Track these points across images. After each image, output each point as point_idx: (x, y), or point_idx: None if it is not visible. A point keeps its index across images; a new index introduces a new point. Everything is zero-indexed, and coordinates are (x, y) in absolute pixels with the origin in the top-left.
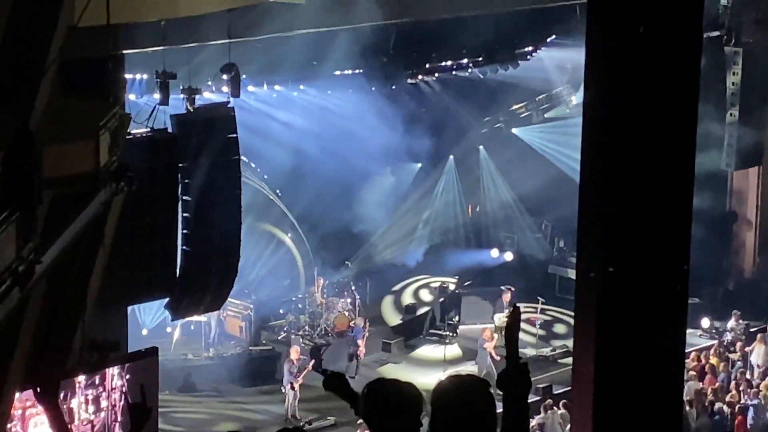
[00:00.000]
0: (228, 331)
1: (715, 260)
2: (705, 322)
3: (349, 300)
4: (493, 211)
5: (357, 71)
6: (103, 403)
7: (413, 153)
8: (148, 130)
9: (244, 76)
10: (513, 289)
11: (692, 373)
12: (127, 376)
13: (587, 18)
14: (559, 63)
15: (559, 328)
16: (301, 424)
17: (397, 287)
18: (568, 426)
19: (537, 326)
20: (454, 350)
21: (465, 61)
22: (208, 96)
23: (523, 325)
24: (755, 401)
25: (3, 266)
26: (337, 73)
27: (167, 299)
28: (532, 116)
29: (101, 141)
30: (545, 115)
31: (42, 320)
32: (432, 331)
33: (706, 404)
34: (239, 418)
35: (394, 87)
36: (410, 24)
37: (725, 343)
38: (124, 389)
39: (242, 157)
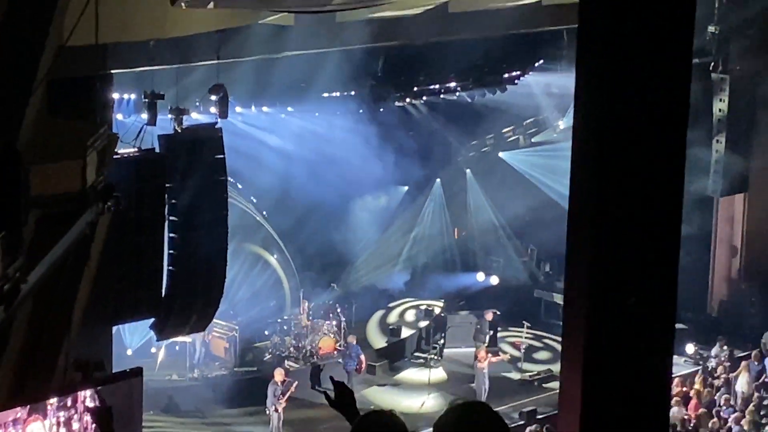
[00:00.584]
0: (213, 352)
1: (700, 286)
2: (690, 348)
3: (334, 322)
4: (479, 235)
5: (345, 93)
6: (75, 426)
7: (400, 176)
8: (136, 150)
9: (232, 98)
10: (498, 312)
11: (676, 399)
12: (97, 399)
13: (577, 43)
14: (547, 88)
15: (545, 353)
16: None
17: (382, 310)
18: None
19: (522, 350)
20: (439, 373)
21: (453, 84)
22: (195, 117)
23: (508, 349)
24: (738, 428)
25: None
26: (326, 95)
27: (152, 319)
28: (520, 140)
29: (88, 161)
30: (532, 140)
31: (27, 339)
32: (417, 354)
33: (690, 430)
34: None
35: (382, 109)
36: (398, 47)
37: (709, 370)
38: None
39: (229, 178)
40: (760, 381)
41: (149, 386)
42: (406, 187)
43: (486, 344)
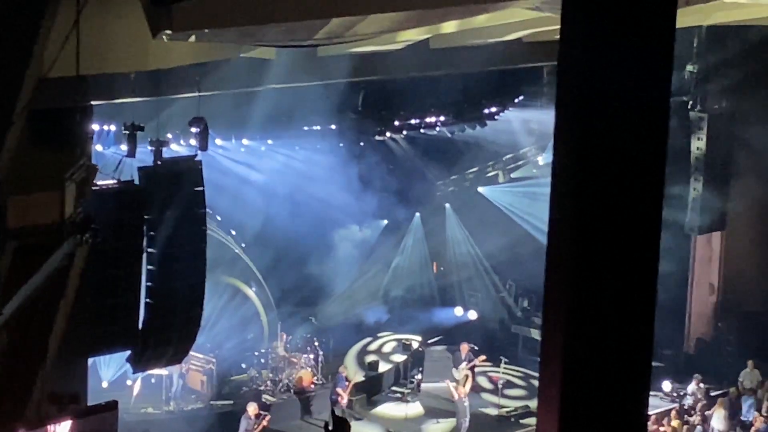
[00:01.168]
0: (190, 384)
1: (677, 324)
2: (666, 386)
3: (312, 356)
4: (457, 269)
5: (326, 127)
6: None
7: (379, 210)
8: (115, 181)
9: (212, 130)
10: (476, 347)
11: None
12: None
13: (557, 80)
14: (527, 123)
15: (522, 388)
16: None
17: (360, 344)
18: None
19: (499, 386)
20: (416, 408)
21: (433, 119)
22: (175, 149)
23: (485, 384)
24: None
25: None
26: (306, 128)
27: (129, 352)
28: (499, 175)
29: (67, 192)
30: (512, 175)
31: (2, 371)
32: (394, 388)
33: None
34: None
35: (362, 143)
36: (379, 82)
37: (686, 407)
38: None
39: (208, 211)
40: (736, 419)
41: (124, 419)
42: (386, 221)
43: (461, 379)
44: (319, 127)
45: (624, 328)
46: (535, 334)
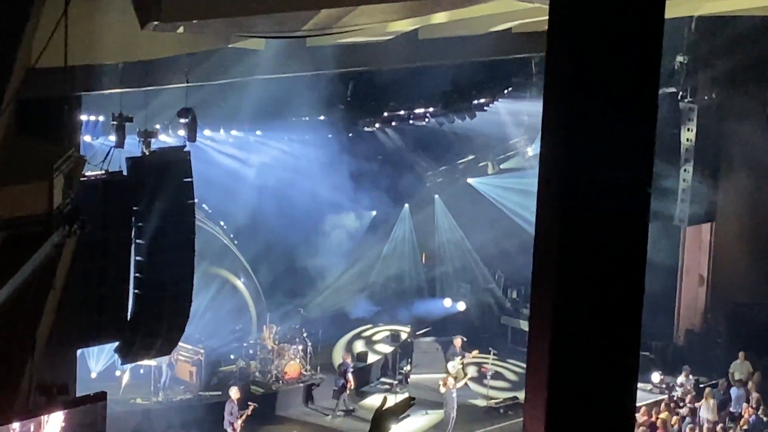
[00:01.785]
0: (178, 375)
1: (667, 315)
2: (655, 377)
3: (300, 347)
4: (447, 261)
5: (314, 118)
6: None
7: (368, 201)
8: (103, 172)
9: (200, 121)
10: (465, 339)
11: (643, 428)
12: (63, 424)
13: (545, 71)
14: (516, 115)
15: (510, 379)
16: None
17: (349, 335)
18: None
19: (488, 377)
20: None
21: (422, 110)
22: (164, 139)
23: (474, 375)
24: None
25: None
26: (295, 119)
27: (117, 343)
28: (488, 167)
29: (55, 183)
30: (501, 166)
31: None
32: (383, 379)
33: None
34: None
35: (351, 135)
36: (368, 73)
37: (675, 399)
38: None
39: (196, 201)
40: (725, 411)
41: (113, 410)
42: (375, 213)
43: (455, 371)
44: (308, 118)
45: (611, 319)
46: (524, 325)
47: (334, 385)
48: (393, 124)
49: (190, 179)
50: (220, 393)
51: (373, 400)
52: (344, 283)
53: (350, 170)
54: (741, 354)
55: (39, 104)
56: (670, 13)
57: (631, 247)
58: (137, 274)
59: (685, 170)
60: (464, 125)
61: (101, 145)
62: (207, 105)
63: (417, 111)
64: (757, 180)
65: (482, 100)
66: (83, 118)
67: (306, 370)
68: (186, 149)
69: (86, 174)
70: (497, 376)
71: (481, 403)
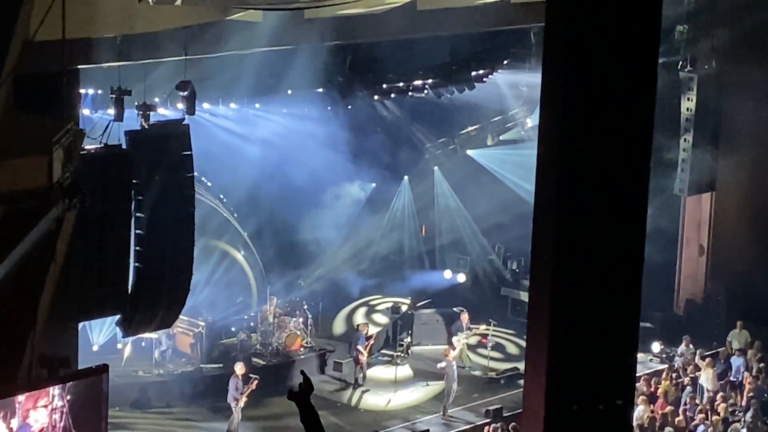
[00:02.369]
0: (179, 348)
1: (667, 285)
2: (656, 347)
3: (301, 319)
4: (446, 232)
5: (313, 90)
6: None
7: (368, 173)
8: (102, 146)
9: (199, 94)
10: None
11: (643, 397)
12: (68, 398)
13: (544, 41)
14: (515, 86)
15: (511, 350)
16: None
17: (349, 307)
18: None
19: (488, 348)
20: (405, 371)
21: (421, 82)
22: (163, 113)
23: (475, 347)
24: (703, 426)
25: None
26: (293, 92)
27: (118, 316)
28: (487, 138)
29: (54, 157)
30: (500, 138)
31: None
32: (384, 351)
33: (657, 428)
34: None
35: (350, 107)
36: (366, 44)
37: (675, 368)
38: (64, 410)
39: (196, 175)
40: (725, 380)
41: (115, 382)
42: (374, 185)
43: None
44: (306, 91)
45: (611, 289)
46: (524, 296)
47: (350, 355)
48: (392, 96)
49: (189, 152)
50: (221, 365)
51: (374, 372)
52: (344, 256)
53: (349, 142)
54: (739, 323)
55: (37, 78)
56: None
57: (631, 217)
58: (137, 248)
59: (685, 140)
60: (463, 97)
61: (100, 119)
62: (206, 78)
63: (416, 83)
64: (758, 149)
65: (481, 72)
66: (82, 91)
67: (307, 343)
68: (185, 122)
69: (85, 147)
70: (498, 347)
71: (482, 374)
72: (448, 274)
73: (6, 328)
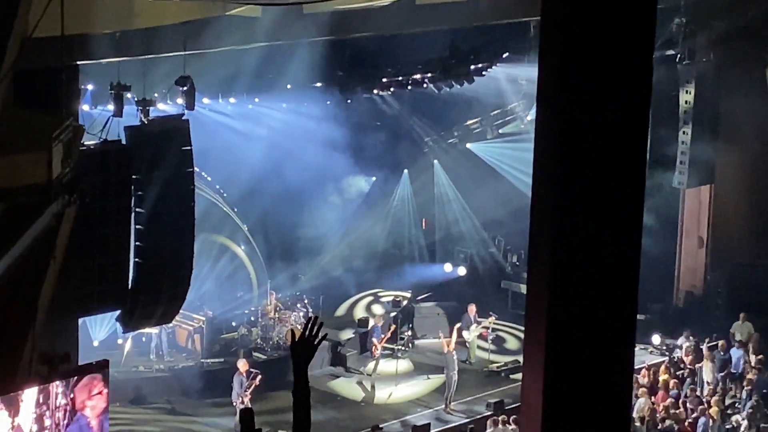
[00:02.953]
0: (180, 343)
1: (666, 277)
2: (656, 339)
3: (301, 313)
4: (447, 226)
5: (312, 85)
6: (47, 422)
7: (368, 166)
8: (102, 141)
9: (199, 89)
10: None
11: (643, 389)
12: (71, 395)
13: (540, 35)
14: (514, 79)
15: (512, 343)
16: None
17: (349, 301)
18: None
19: (489, 341)
20: (406, 364)
21: (420, 76)
22: (162, 108)
23: (474, 339)
24: (704, 418)
25: None
26: (292, 86)
27: (119, 311)
28: (487, 131)
29: (54, 152)
30: (500, 131)
31: None
32: (384, 344)
33: (658, 421)
34: (190, 431)
35: (349, 101)
36: (366, 39)
37: (676, 360)
38: (68, 408)
39: (196, 170)
40: (726, 371)
41: (115, 378)
42: (374, 179)
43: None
44: (306, 85)
45: (609, 282)
46: (524, 289)
47: (367, 347)
48: (391, 90)
49: (189, 147)
50: (222, 360)
51: (373, 366)
52: (344, 249)
53: (348, 137)
54: (742, 315)
55: (37, 74)
56: None
57: (628, 210)
58: (137, 243)
59: (683, 132)
60: (462, 90)
61: (100, 115)
62: (205, 73)
63: (415, 77)
64: (756, 141)
65: (480, 65)
66: (81, 87)
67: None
68: (184, 118)
69: (85, 143)
70: (498, 340)
71: (482, 366)
72: (448, 267)
73: (6, 324)
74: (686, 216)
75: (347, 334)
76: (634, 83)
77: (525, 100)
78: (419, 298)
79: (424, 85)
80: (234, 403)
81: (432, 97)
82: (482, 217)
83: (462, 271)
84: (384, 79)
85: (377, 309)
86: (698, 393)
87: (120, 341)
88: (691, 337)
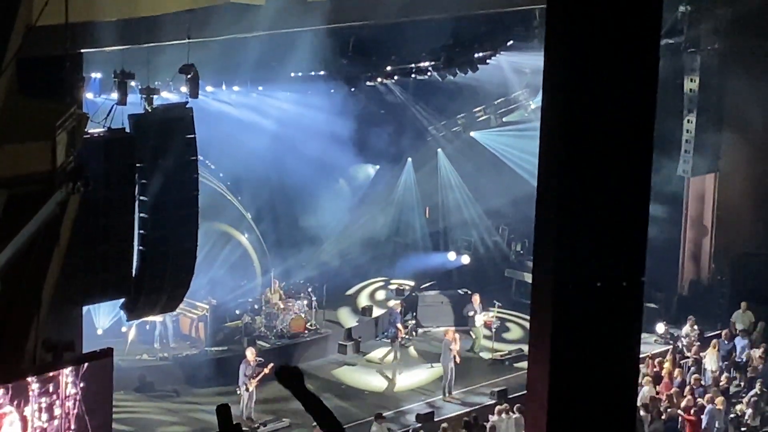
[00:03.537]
0: (184, 331)
1: (671, 266)
2: (660, 328)
3: (305, 302)
4: (450, 214)
5: (316, 73)
6: (57, 411)
7: (371, 155)
8: (106, 129)
9: (202, 77)
10: (468, 292)
11: (648, 378)
12: (81, 384)
13: (546, 23)
14: (518, 67)
15: (516, 332)
16: (256, 425)
17: (353, 289)
18: (522, 431)
19: (493, 330)
20: (409, 352)
21: (424, 64)
22: (166, 96)
23: (480, 328)
24: (710, 406)
25: None
26: (296, 74)
27: (123, 300)
28: (491, 120)
29: (58, 141)
30: (503, 119)
31: None
32: (388, 333)
33: (662, 409)
34: (194, 419)
35: (353, 89)
36: (370, 26)
37: (680, 349)
38: (77, 397)
39: (200, 158)
40: (730, 360)
41: (120, 366)
42: (378, 167)
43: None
44: (309, 73)
45: (614, 271)
46: (528, 278)
47: (386, 333)
48: (395, 78)
49: (192, 135)
50: (226, 348)
51: (378, 354)
52: (348, 238)
53: (352, 125)
54: (743, 304)
55: (41, 62)
56: None
57: (634, 196)
58: (141, 231)
59: (688, 121)
60: (466, 78)
61: (103, 103)
62: (209, 61)
63: (419, 65)
64: (761, 129)
65: (484, 53)
66: (85, 76)
67: (311, 325)
68: (188, 106)
69: (89, 131)
70: (502, 328)
71: (486, 355)
72: (452, 255)
73: (10, 313)
74: (691, 204)
75: (351, 322)
76: (640, 71)
77: (529, 89)
78: (423, 286)
79: (428, 74)
80: (238, 391)
81: (436, 85)
82: (486, 205)
83: (466, 259)
84: (388, 68)
85: (381, 297)
86: (702, 382)
87: (124, 329)
88: (695, 326)
